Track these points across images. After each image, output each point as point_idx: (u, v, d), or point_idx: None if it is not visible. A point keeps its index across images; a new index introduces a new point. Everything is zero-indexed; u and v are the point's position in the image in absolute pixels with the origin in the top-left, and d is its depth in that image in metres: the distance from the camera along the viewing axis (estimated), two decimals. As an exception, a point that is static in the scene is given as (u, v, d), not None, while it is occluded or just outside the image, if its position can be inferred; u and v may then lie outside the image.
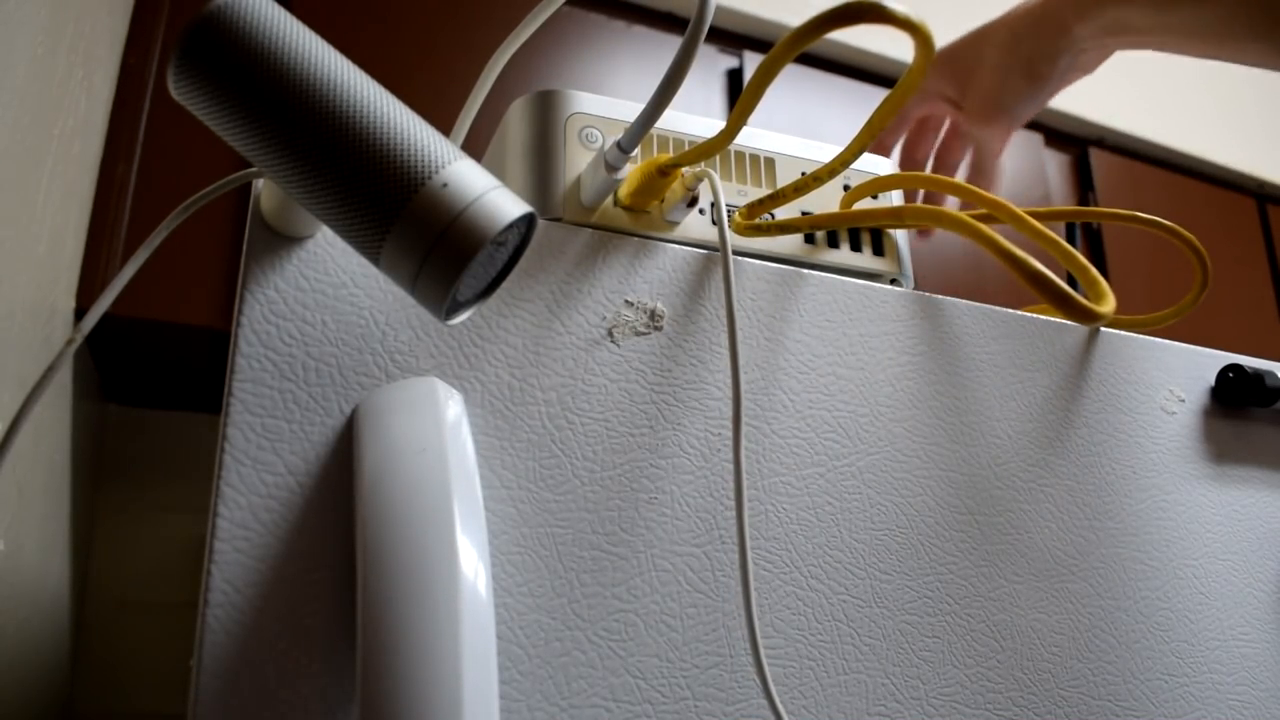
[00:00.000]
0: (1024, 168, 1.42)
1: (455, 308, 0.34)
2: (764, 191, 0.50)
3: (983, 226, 0.46)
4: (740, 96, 0.37)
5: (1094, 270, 0.50)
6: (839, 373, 0.47)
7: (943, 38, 1.44)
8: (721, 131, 0.41)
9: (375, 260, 0.32)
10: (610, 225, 0.45)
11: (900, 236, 0.53)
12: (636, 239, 0.45)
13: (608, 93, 1.18)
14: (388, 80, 1.04)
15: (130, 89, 0.96)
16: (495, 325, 0.41)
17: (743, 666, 0.41)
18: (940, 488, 0.47)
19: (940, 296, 0.51)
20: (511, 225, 0.32)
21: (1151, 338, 0.55)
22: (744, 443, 0.40)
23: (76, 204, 0.85)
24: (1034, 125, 1.48)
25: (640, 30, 1.22)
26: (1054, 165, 1.49)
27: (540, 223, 0.44)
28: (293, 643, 0.34)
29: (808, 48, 1.33)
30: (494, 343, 0.41)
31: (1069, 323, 0.53)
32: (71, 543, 0.97)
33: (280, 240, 0.39)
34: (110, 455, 1.15)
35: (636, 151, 0.43)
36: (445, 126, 0.99)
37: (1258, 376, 0.55)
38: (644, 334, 0.44)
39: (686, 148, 0.49)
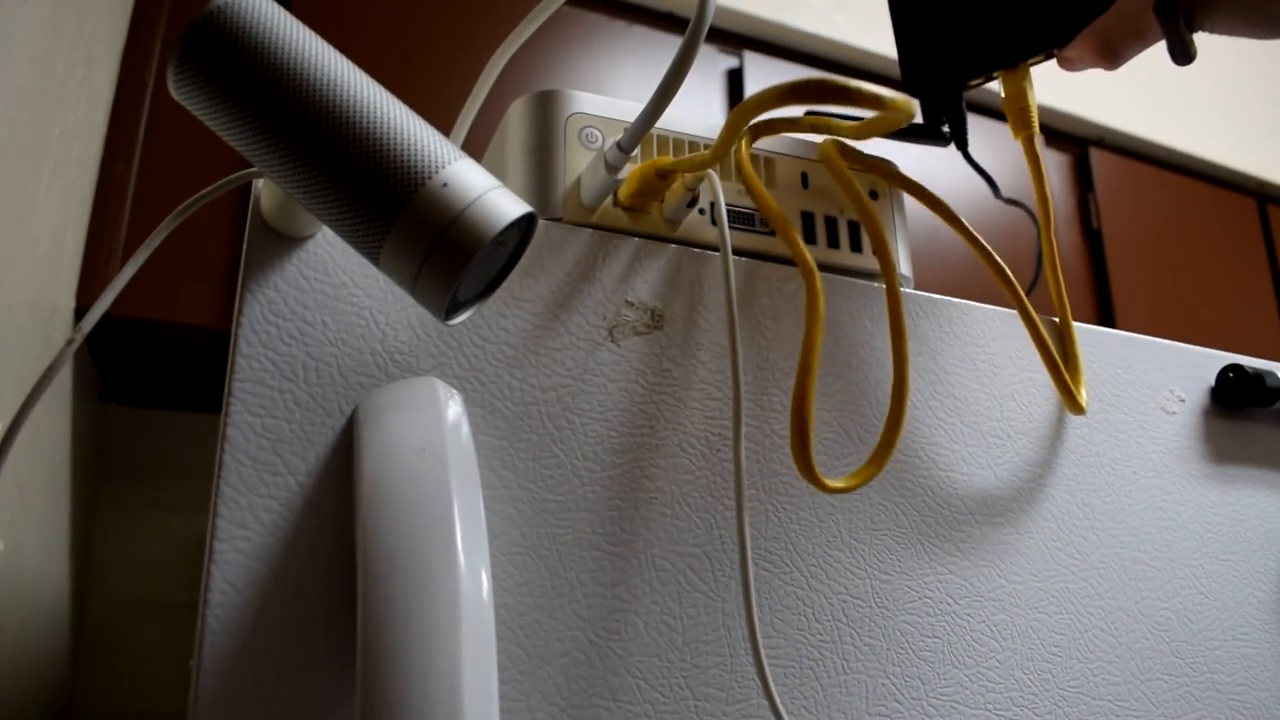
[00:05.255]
0: (1023, 167, 1.42)
1: (455, 308, 0.34)
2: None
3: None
4: (720, 134, 0.41)
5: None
6: (838, 372, 0.47)
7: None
8: (710, 154, 0.42)
9: (375, 260, 0.32)
10: (610, 225, 0.45)
11: (900, 236, 0.53)
12: (637, 239, 0.45)
13: (608, 93, 1.18)
14: (388, 80, 1.04)
15: (130, 89, 0.96)
16: (495, 325, 0.41)
17: (743, 666, 0.41)
18: (940, 488, 0.47)
19: (940, 296, 0.51)
20: (511, 225, 0.32)
21: (1151, 338, 0.55)
22: (744, 443, 0.40)
23: (77, 204, 0.85)
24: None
25: (640, 30, 1.22)
26: (1054, 165, 1.49)
27: (540, 223, 0.44)
28: (293, 643, 0.34)
29: (804, 45, 1.33)
30: (494, 343, 0.41)
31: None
32: (71, 543, 0.97)
33: (280, 240, 0.39)
34: (110, 455, 1.15)
35: (636, 151, 0.43)
36: (445, 126, 0.99)
37: (1258, 376, 0.55)
38: (644, 334, 0.44)
39: (687, 147, 0.49)
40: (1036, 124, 0.52)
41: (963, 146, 0.54)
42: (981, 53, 0.52)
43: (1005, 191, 1.39)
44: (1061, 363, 0.50)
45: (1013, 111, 0.52)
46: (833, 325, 0.47)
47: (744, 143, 0.46)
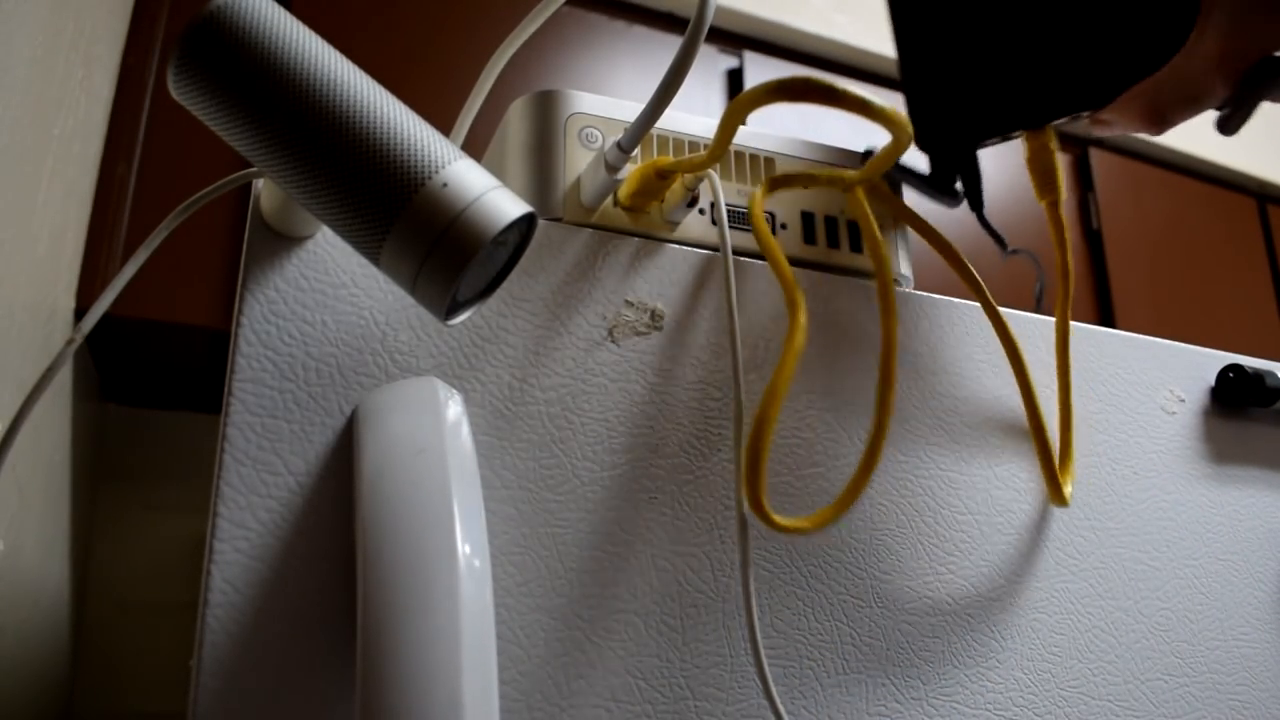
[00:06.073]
0: (1024, 168, 1.42)
1: (455, 308, 0.34)
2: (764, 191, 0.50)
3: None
4: (716, 133, 0.40)
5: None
6: (838, 372, 0.47)
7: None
8: (707, 154, 0.42)
9: (375, 260, 0.32)
10: (610, 225, 0.46)
11: (900, 236, 0.53)
12: (636, 239, 0.45)
13: (608, 93, 1.18)
14: (388, 80, 1.04)
15: (130, 89, 0.96)
16: (495, 325, 0.41)
17: (743, 666, 0.41)
18: (940, 488, 0.47)
19: (940, 296, 0.51)
20: (511, 225, 0.32)
21: (1151, 338, 0.55)
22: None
23: (76, 204, 0.85)
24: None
25: (640, 30, 1.22)
26: (1054, 165, 1.49)
27: (540, 223, 0.44)
28: (292, 643, 0.34)
29: (804, 45, 1.33)
30: (494, 343, 0.41)
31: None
32: (71, 543, 0.97)
33: (280, 240, 0.39)
34: (110, 455, 1.15)
35: (636, 152, 0.43)
36: (445, 126, 0.99)
37: (1258, 376, 0.55)
38: (644, 334, 0.44)
39: (687, 147, 0.49)
40: (1063, 187, 0.47)
41: (977, 209, 0.49)
42: (1003, 110, 0.46)
43: (1005, 200, 1.39)
44: (1054, 451, 0.47)
45: (1038, 173, 0.47)
46: (831, 325, 0.47)
47: (759, 192, 0.45)
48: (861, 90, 0.35)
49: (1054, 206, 0.47)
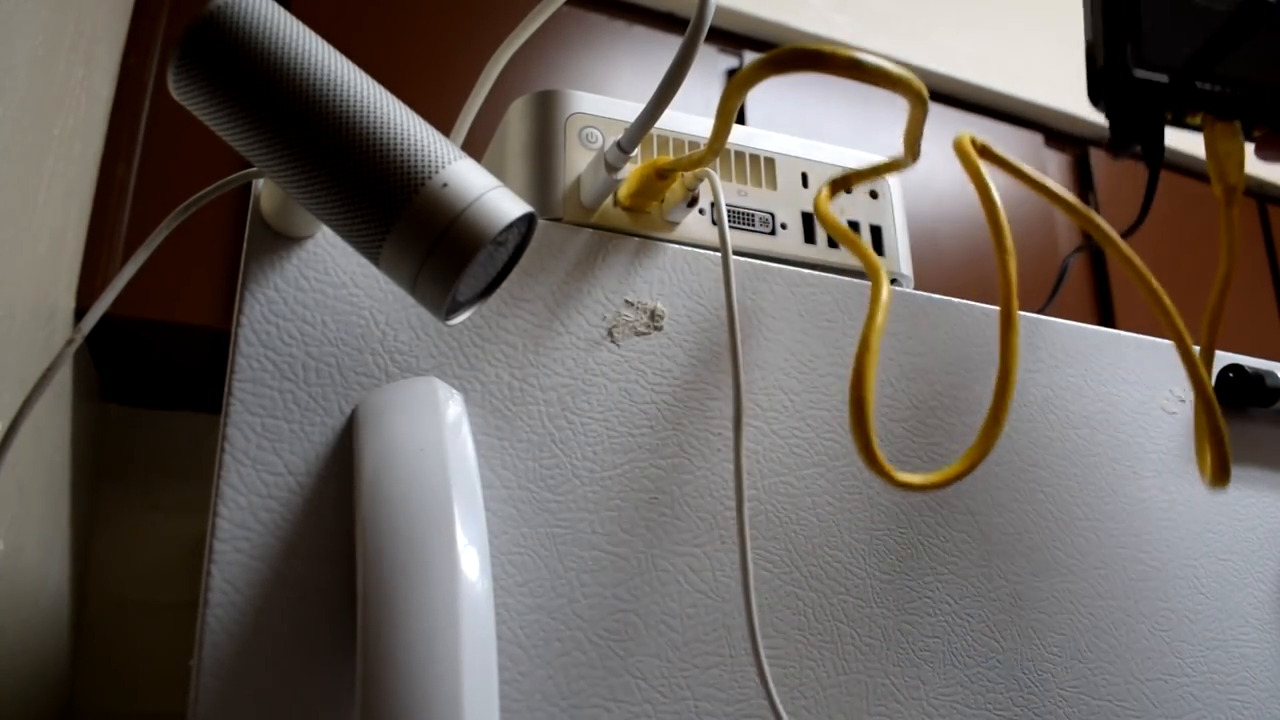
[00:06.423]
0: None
1: (455, 308, 0.34)
2: (764, 191, 0.50)
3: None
4: (713, 126, 0.40)
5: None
6: (839, 373, 0.47)
7: (944, 44, 1.44)
8: (706, 149, 0.41)
9: (375, 260, 0.32)
10: (610, 225, 0.46)
11: (901, 236, 0.53)
12: (636, 239, 0.45)
13: (608, 93, 1.18)
14: (388, 80, 1.04)
15: (130, 89, 0.96)
16: (495, 325, 0.41)
17: (743, 666, 0.41)
18: (940, 488, 0.47)
19: (940, 296, 0.51)
20: (511, 225, 0.32)
21: (1151, 338, 0.55)
22: (744, 443, 0.40)
23: (77, 204, 0.85)
24: (1034, 125, 1.48)
25: (640, 30, 1.22)
26: (1054, 165, 1.49)
27: (540, 223, 0.44)
28: (293, 643, 0.34)
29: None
30: (494, 343, 0.41)
31: (1068, 323, 0.53)
32: (71, 543, 0.97)
33: (280, 240, 0.39)
34: (110, 455, 1.15)
35: (636, 152, 0.43)
36: (445, 126, 0.99)
37: (1258, 376, 0.55)
38: (644, 334, 0.44)
39: (687, 148, 0.49)
40: (1241, 180, 0.43)
41: (1153, 177, 0.45)
42: (1199, 88, 0.41)
43: (1013, 190, 1.39)
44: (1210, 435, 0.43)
45: (1225, 161, 0.42)
46: (832, 325, 0.47)
47: (825, 193, 0.45)
48: (847, 51, 0.35)
49: (1232, 193, 0.43)
